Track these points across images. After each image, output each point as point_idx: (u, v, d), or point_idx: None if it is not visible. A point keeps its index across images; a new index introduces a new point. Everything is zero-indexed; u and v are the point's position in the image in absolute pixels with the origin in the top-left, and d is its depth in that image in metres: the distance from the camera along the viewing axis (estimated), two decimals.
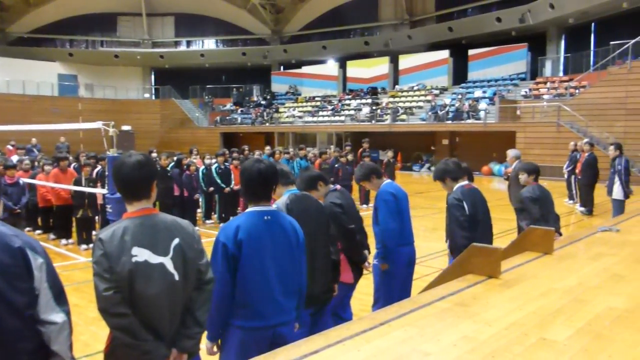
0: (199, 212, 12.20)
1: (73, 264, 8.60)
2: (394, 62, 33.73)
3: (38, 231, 10.91)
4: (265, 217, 3.00)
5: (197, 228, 7.22)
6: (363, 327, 2.43)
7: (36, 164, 11.85)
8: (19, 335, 2.16)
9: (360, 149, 15.40)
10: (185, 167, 11.39)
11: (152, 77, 42.38)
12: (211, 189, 11.67)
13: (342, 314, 4.42)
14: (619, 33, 22.91)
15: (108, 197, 8.39)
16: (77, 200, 9.45)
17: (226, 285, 2.88)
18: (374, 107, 30.01)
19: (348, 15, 36.72)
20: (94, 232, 10.06)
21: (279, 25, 40.02)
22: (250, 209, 3.04)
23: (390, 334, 2.37)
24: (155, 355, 2.43)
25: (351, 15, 36.53)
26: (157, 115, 37.94)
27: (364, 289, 5.10)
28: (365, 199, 13.87)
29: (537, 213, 5.19)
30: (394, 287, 4.72)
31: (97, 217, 10.38)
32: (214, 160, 12.04)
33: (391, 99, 30.77)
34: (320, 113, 32.63)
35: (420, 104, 29.21)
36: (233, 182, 11.71)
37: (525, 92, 25.86)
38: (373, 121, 28.62)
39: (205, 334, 2.84)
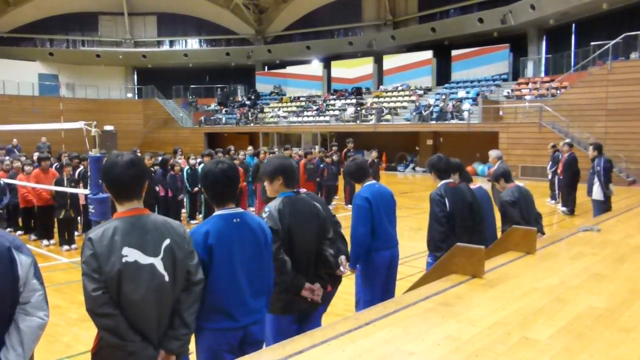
0: (184, 212, 12.14)
1: (54, 264, 8.50)
2: (378, 62, 33.82)
3: (19, 232, 10.77)
4: (235, 220, 2.98)
5: None
6: (348, 327, 2.43)
7: (12, 164, 11.60)
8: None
9: (345, 149, 15.43)
10: (169, 167, 11.33)
11: (135, 76, 42.00)
12: (196, 189, 11.61)
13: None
14: (599, 34, 23.21)
15: (90, 197, 8.31)
16: (59, 201, 9.34)
17: None
18: (358, 108, 30.05)
19: (331, 15, 36.77)
20: (76, 233, 9.98)
21: (263, 25, 39.93)
22: (218, 212, 3.01)
23: (374, 334, 2.38)
24: (142, 355, 2.42)
25: (334, 15, 36.58)
26: (140, 115, 37.65)
27: (349, 289, 5.11)
28: (350, 199, 13.90)
29: (517, 216, 5.24)
30: (375, 289, 4.69)
31: (79, 218, 10.29)
32: (199, 160, 11.98)
33: (375, 99, 30.85)
34: (305, 113, 32.60)
35: (405, 104, 29.33)
36: None
37: (508, 92, 26.08)
38: (358, 121, 28.66)
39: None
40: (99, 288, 2.35)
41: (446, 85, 30.27)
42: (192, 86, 39.54)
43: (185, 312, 2.58)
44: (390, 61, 32.89)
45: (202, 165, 11.72)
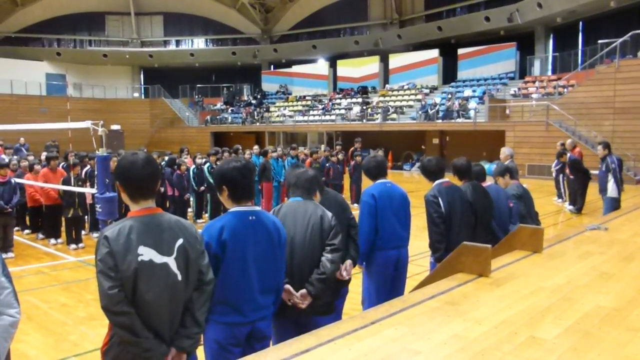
0: (190, 211, 12.18)
1: (62, 263, 8.53)
2: (384, 61, 33.76)
3: (27, 231, 10.85)
4: (250, 217, 3.00)
5: None
6: (354, 326, 2.43)
7: (19, 164, 11.67)
8: None
9: (352, 148, 15.41)
10: (176, 166, 11.38)
11: (142, 76, 42.16)
12: (202, 188, 11.64)
13: None
14: (607, 32, 23.09)
15: (98, 196, 8.35)
16: (67, 200, 9.38)
17: None
18: (364, 107, 30.02)
19: (337, 14, 36.78)
20: (83, 232, 10.02)
21: (269, 24, 39.97)
22: (234, 208, 3.03)
23: (381, 333, 2.38)
24: (156, 352, 2.45)
25: (340, 14, 36.59)
26: (147, 114, 37.78)
27: (355, 288, 5.10)
28: (356, 198, 13.89)
29: (523, 209, 5.33)
30: (379, 289, 4.66)
31: (86, 217, 10.34)
32: (204, 160, 12.02)
33: (381, 98, 30.80)
34: (311, 112, 32.61)
35: (411, 103, 29.27)
36: None
37: (514, 91, 25.98)
38: (364, 120, 28.64)
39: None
40: (115, 286, 2.36)
41: (452, 83, 30.20)
42: (198, 85, 39.67)
43: (198, 311, 2.60)
44: (396, 60, 32.82)
45: (207, 164, 11.76)
